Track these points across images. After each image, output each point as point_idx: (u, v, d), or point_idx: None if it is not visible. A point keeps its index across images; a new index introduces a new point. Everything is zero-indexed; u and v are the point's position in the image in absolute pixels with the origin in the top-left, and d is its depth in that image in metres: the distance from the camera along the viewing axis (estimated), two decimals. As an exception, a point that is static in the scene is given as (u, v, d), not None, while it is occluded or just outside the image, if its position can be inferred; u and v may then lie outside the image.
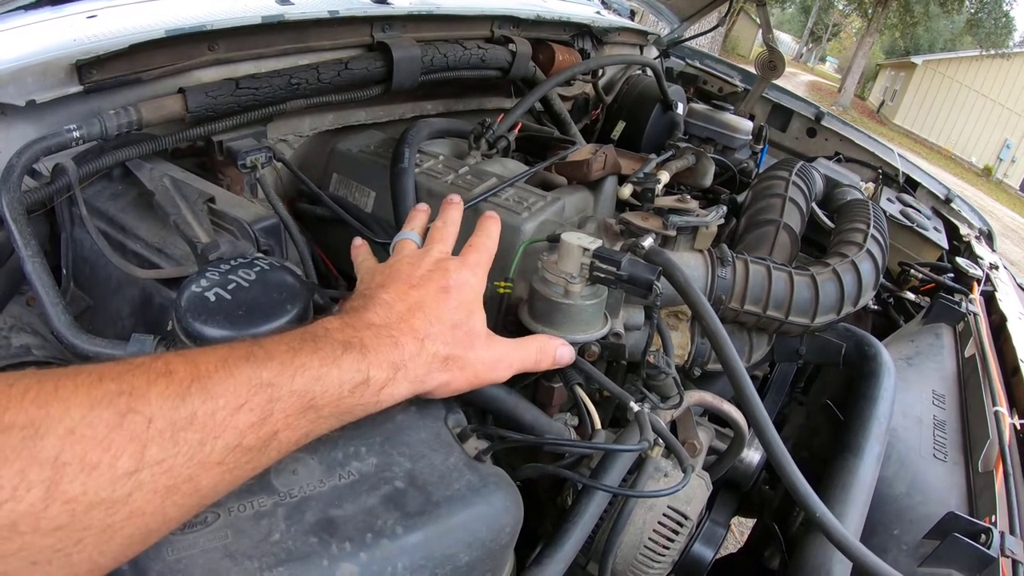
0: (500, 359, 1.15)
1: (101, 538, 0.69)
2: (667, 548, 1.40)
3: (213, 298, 1.08)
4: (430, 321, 1.05)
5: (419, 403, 1.11)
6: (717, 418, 1.70)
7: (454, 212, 1.35)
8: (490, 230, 1.31)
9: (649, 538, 1.40)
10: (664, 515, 1.41)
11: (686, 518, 1.42)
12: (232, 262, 1.18)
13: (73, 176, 1.41)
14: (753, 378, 2.33)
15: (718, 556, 1.68)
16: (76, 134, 1.41)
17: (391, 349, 0.97)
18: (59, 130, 1.40)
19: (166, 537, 0.80)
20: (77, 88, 1.52)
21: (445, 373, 1.05)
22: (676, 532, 1.41)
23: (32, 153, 1.35)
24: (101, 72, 1.55)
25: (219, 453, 0.77)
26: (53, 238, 1.57)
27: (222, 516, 0.84)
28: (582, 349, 1.45)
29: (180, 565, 0.79)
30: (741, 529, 4.05)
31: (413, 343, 1.01)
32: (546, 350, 1.23)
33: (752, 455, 1.83)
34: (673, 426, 1.59)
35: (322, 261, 1.98)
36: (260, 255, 1.33)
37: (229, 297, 1.09)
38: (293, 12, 1.84)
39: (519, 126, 2.27)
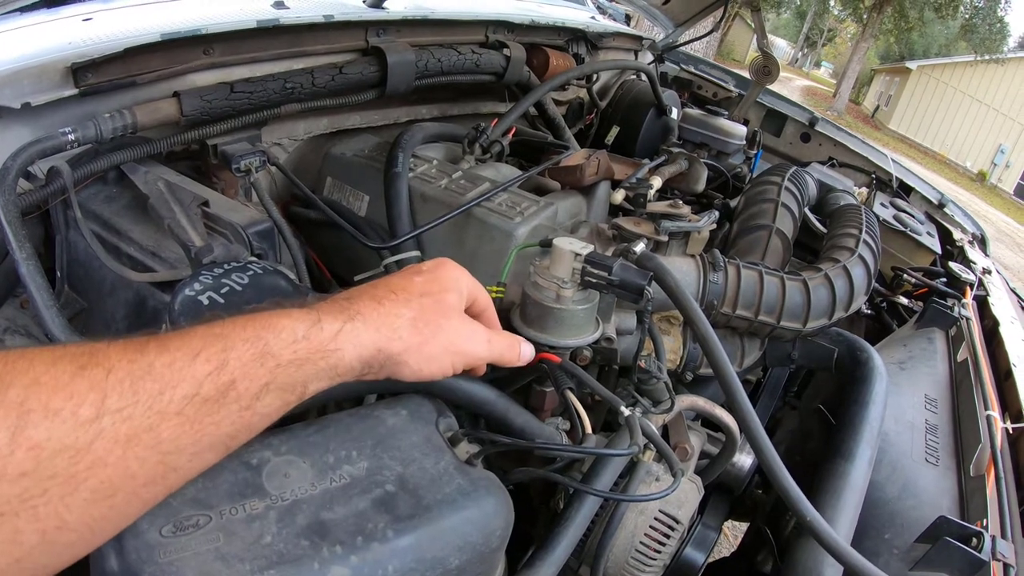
0: (476, 331, 1.13)
1: (65, 488, 0.70)
2: (658, 552, 1.40)
3: (207, 302, 1.09)
4: (392, 290, 1.04)
5: (411, 407, 1.12)
6: (710, 422, 1.70)
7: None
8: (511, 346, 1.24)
9: (641, 542, 1.40)
10: (655, 519, 1.42)
11: (677, 522, 1.42)
12: (226, 266, 1.19)
13: (68, 179, 1.42)
14: (746, 382, 2.35)
15: (711, 560, 1.69)
16: (71, 137, 1.42)
17: (344, 305, 0.98)
18: (54, 133, 1.41)
19: (158, 540, 0.80)
20: (72, 91, 1.53)
21: (415, 334, 1.02)
22: (667, 536, 1.41)
23: (27, 156, 1.35)
24: (96, 75, 1.55)
25: (178, 403, 0.77)
26: (48, 240, 1.58)
27: (214, 519, 0.84)
28: (574, 353, 1.45)
29: (172, 568, 0.79)
30: (735, 533, 4.05)
31: (370, 302, 1.00)
32: (514, 346, 1.22)
33: (744, 459, 1.83)
34: (665, 430, 1.60)
35: (316, 264, 1.98)
36: (254, 259, 1.33)
37: (222, 301, 1.10)
38: (288, 16, 1.84)
39: (513, 131, 2.27)
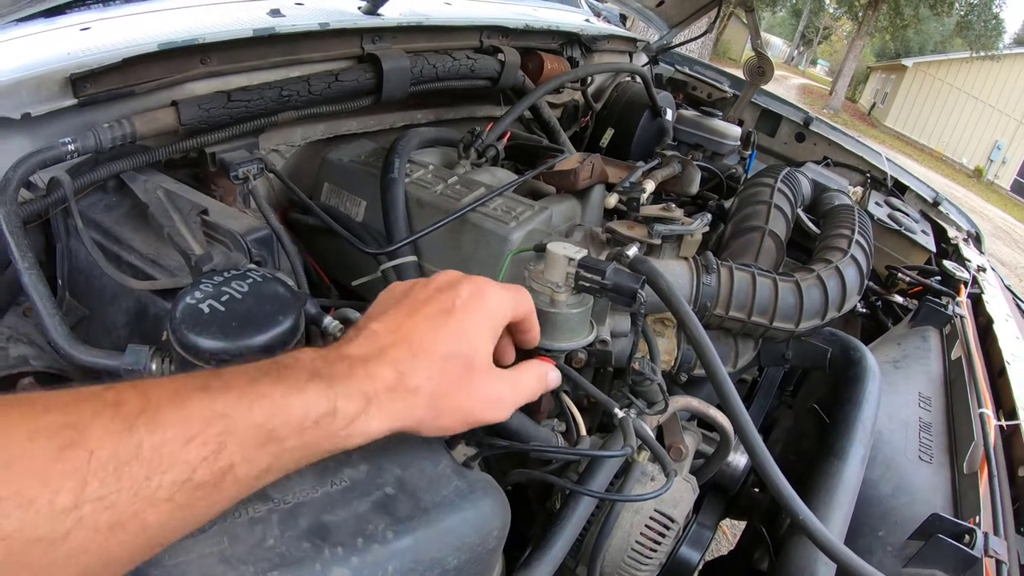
0: (501, 398, 1.01)
1: None
2: (654, 551, 1.42)
3: (207, 310, 1.10)
4: (415, 353, 0.92)
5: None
6: (706, 423, 1.72)
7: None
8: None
9: (636, 541, 1.42)
10: (651, 518, 1.43)
11: (672, 521, 1.44)
12: (225, 274, 1.20)
13: (68, 188, 1.43)
14: (742, 382, 2.36)
15: (709, 558, 1.70)
16: (71, 147, 1.43)
17: (363, 381, 0.87)
18: (54, 143, 1.42)
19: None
20: (72, 101, 1.54)
21: (431, 411, 0.93)
22: (663, 535, 1.43)
23: (28, 166, 1.37)
24: (95, 85, 1.57)
25: (167, 489, 0.71)
26: (49, 249, 1.59)
27: (218, 522, 0.85)
28: (569, 356, 1.47)
29: (178, 570, 0.80)
30: (734, 531, 4.07)
31: (391, 375, 0.89)
32: (542, 377, 1.12)
33: (739, 459, 1.85)
34: (660, 431, 1.61)
35: (314, 270, 1.99)
36: (253, 266, 1.35)
37: (223, 309, 1.11)
38: (284, 25, 1.85)
39: (508, 135, 2.29)
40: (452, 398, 0.95)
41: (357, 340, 0.94)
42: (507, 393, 1.03)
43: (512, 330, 1.13)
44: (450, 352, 0.94)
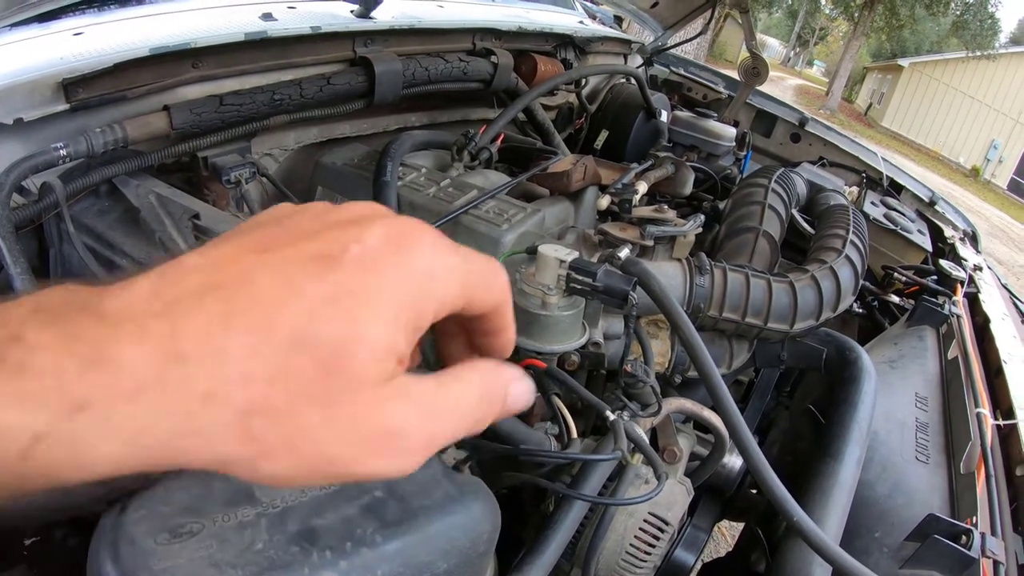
0: (398, 434, 0.51)
1: None
2: (648, 554, 1.42)
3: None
4: (230, 323, 0.45)
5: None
6: (700, 425, 1.71)
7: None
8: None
9: (630, 544, 1.42)
10: (645, 521, 1.43)
11: (667, 523, 1.43)
12: (215, 278, 1.20)
13: (60, 193, 1.43)
14: (738, 383, 2.36)
15: (706, 559, 1.70)
16: (63, 152, 1.43)
17: (85, 370, 0.42)
18: (46, 148, 1.43)
19: (153, 547, 0.81)
20: (64, 106, 1.54)
21: (246, 441, 0.46)
22: (657, 538, 1.42)
23: (20, 171, 1.37)
24: (87, 90, 1.57)
25: None
26: (42, 254, 1.58)
27: (207, 526, 0.86)
28: (561, 359, 1.47)
29: (167, 574, 0.80)
30: (733, 533, 4.07)
31: (153, 359, 0.43)
32: (495, 394, 0.60)
33: (734, 460, 1.84)
34: (653, 433, 1.61)
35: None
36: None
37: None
38: (276, 28, 1.85)
39: (502, 137, 2.29)
40: (293, 422, 0.47)
41: (138, 283, 0.47)
42: (414, 424, 0.52)
43: (472, 327, 0.66)
44: (305, 334, 0.46)
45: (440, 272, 0.54)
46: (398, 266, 0.51)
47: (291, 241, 0.51)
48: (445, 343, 0.69)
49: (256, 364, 0.45)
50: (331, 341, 0.47)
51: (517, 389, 0.61)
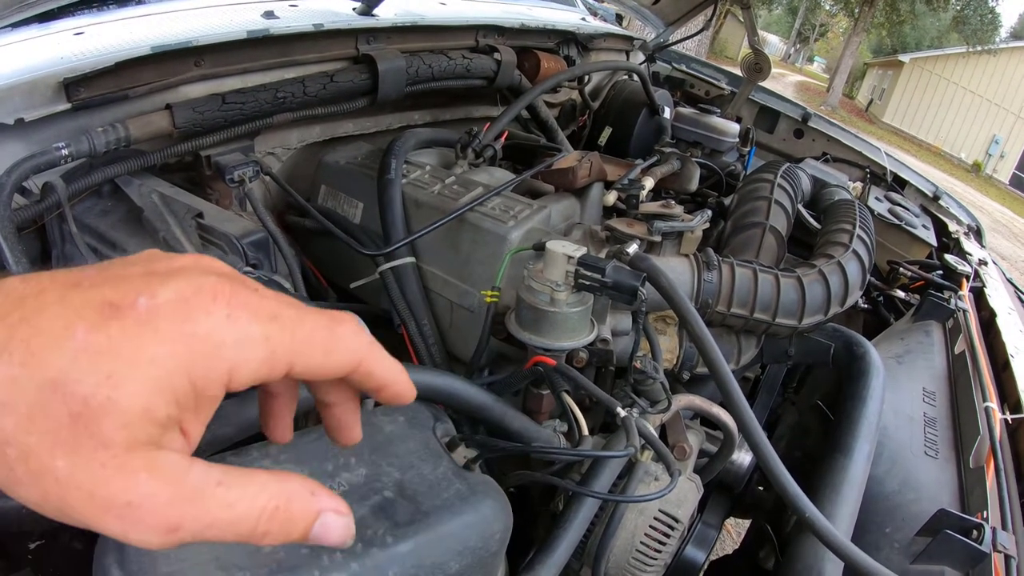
0: (133, 504, 0.48)
1: None
2: (659, 551, 1.41)
3: (202, 313, 1.08)
4: (8, 350, 0.47)
5: (408, 414, 1.12)
6: (709, 421, 1.71)
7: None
8: (342, 332, 0.60)
9: (641, 542, 1.41)
10: (655, 518, 1.42)
11: (677, 521, 1.42)
12: (221, 277, 1.19)
13: (62, 193, 1.42)
14: (745, 379, 2.35)
15: (714, 557, 1.69)
16: (65, 152, 1.42)
17: None
18: (48, 148, 1.42)
19: (159, 550, 0.80)
20: (65, 106, 1.53)
21: None
22: (667, 535, 1.42)
23: (21, 171, 1.36)
24: (88, 89, 1.56)
25: None
26: (44, 255, 1.58)
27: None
28: (570, 355, 1.46)
29: (173, 578, 0.80)
30: (739, 530, 4.06)
31: None
32: (289, 516, 0.55)
33: (743, 457, 1.84)
34: (663, 430, 1.60)
35: (312, 273, 1.98)
36: (249, 269, 1.34)
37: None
38: (278, 26, 1.84)
39: (505, 135, 2.28)
40: (40, 461, 0.47)
41: None
42: (157, 503, 0.49)
43: (352, 381, 0.64)
44: (64, 380, 0.47)
45: (232, 341, 0.52)
46: (179, 330, 0.50)
47: (99, 283, 0.51)
48: (315, 389, 0.68)
49: (16, 395, 0.46)
50: (83, 393, 0.47)
51: (331, 522, 0.57)
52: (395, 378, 0.65)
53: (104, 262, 0.56)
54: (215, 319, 0.51)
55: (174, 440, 0.51)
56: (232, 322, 0.52)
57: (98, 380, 0.47)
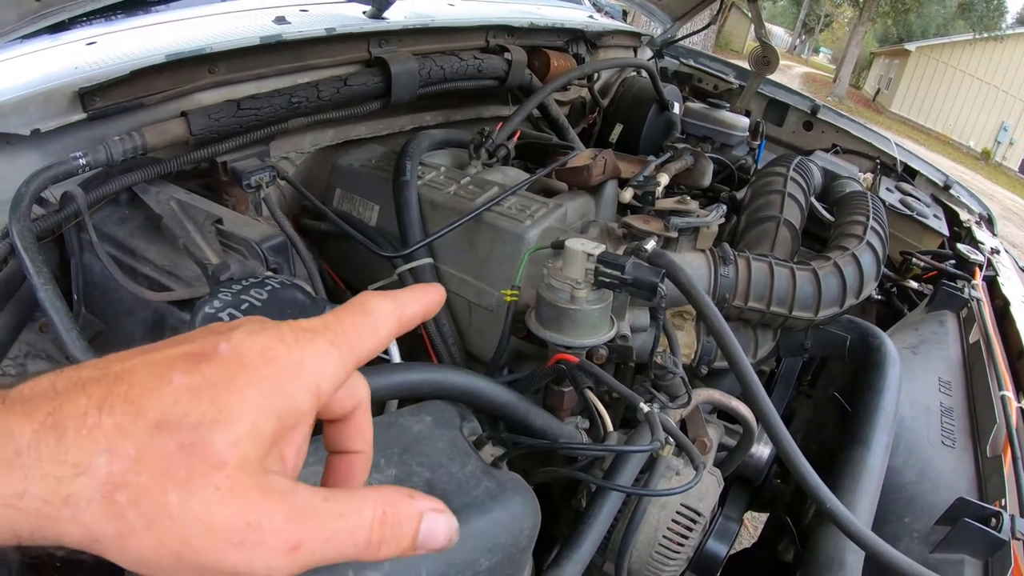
0: (254, 527, 0.50)
1: None
2: (681, 545, 1.42)
3: (227, 318, 1.09)
4: (106, 403, 0.49)
5: (435, 413, 1.13)
6: (726, 415, 1.71)
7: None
8: (401, 294, 0.68)
9: (664, 536, 1.42)
10: (677, 512, 1.43)
11: (699, 515, 1.43)
12: (243, 282, 1.20)
13: (81, 203, 1.43)
14: (760, 373, 2.35)
15: (732, 551, 1.70)
16: (82, 161, 1.43)
17: None
18: (65, 158, 1.42)
19: None
20: (81, 116, 1.54)
21: (111, 516, 0.48)
22: (690, 529, 1.42)
23: (40, 182, 1.36)
24: (104, 99, 1.57)
25: None
26: (63, 264, 1.59)
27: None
28: (590, 352, 1.46)
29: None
30: (755, 524, 4.06)
31: (34, 429, 0.48)
32: (396, 523, 0.56)
33: (762, 450, 1.84)
34: (683, 425, 1.61)
35: (330, 276, 1.99)
36: (270, 273, 1.35)
37: (242, 317, 1.11)
38: (291, 31, 1.85)
39: (518, 134, 2.28)
40: (153, 499, 0.48)
41: (40, 377, 0.53)
42: (276, 522, 0.50)
43: (407, 327, 0.67)
44: (169, 418, 0.49)
45: (309, 357, 0.56)
46: (263, 360, 0.54)
47: (172, 344, 0.55)
48: (338, 437, 0.69)
49: (124, 442, 0.48)
50: (191, 423, 0.49)
51: (433, 523, 0.59)
52: (425, 297, 0.69)
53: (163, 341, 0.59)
54: (287, 345, 0.55)
55: (276, 463, 0.55)
56: (302, 344, 0.56)
57: (203, 409, 0.50)
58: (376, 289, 1.92)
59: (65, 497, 0.47)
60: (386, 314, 0.64)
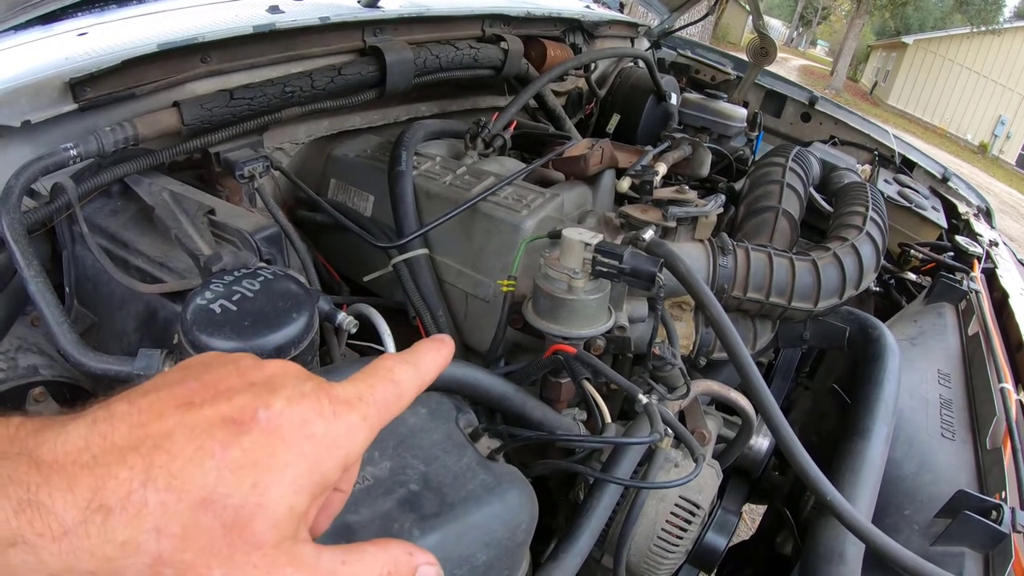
0: None
1: None
2: (680, 538, 1.41)
3: (219, 310, 1.08)
4: (150, 479, 0.51)
5: (431, 405, 1.11)
6: (725, 406, 1.70)
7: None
8: (421, 359, 0.70)
9: (662, 528, 1.41)
10: (676, 505, 1.42)
11: (698, 507, 1.42)
12: (236, 273, 1.18)
13: (72, 194, 1.42)
14: (759, 365, 2.34)
15: (731, 543, 1.69)
16: (73, 152, 1.42)
17: (19, 511, 0.49)
18: (56, 149, 1.41)
19: None
20: (72, 106, 1.53)
21: None
22: (689, 521, 1.41)
23: (30, 173, 1.35)
24: (95, 89, 1.55)
25: None
26: (55, 257, 1.57)
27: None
28: (588, 343, 1.45)
29: None
30: (753, 516, 4.06)
31: (79, 507, 0.50)
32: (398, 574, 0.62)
33: (761, 442, 1.84)
34: (681, 416, 1.60)
35: (324, 267, 1.98)
36: (263, 264, 1.33)
37: (235, 308, 1.09)
38: (284, 20, 1.84)
39: (514, 124, 2.27)
40: (194, 573, 0.51)
41: (76, 429, 0.54)
42: None
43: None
44: (212, 497, 0.52)
45: (343, 432, 0.59)
46: (301, 434, 0.57)
47: (209, 400, 0.57)
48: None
49: (169, 520, 0.51)
50: (234, 505, 0.52)
51: (427, 574, 0.64)
52: (440, 358, 0.72)
53: (188, 364, 0.63)
54: (326, 419, 0.58)
55: (303, 530, 0.58)
56: (338, 418, 0.59)
57: (245, 491, 0.53)
58: (371, 280, 1.92)
59: (113, 572, 0.50)
60: (410, 383, 0.67)
